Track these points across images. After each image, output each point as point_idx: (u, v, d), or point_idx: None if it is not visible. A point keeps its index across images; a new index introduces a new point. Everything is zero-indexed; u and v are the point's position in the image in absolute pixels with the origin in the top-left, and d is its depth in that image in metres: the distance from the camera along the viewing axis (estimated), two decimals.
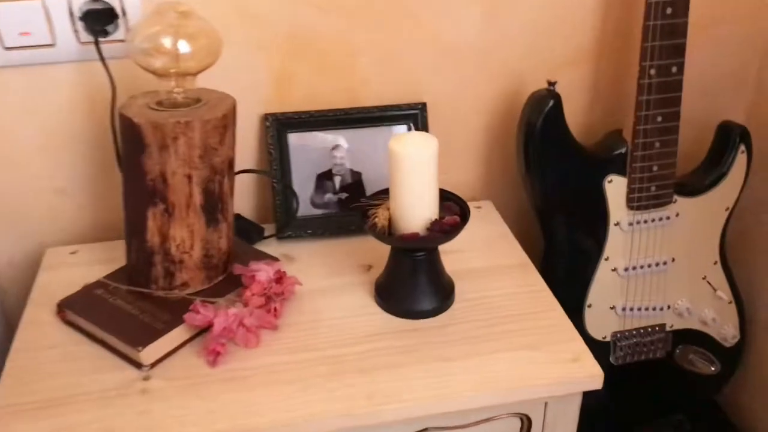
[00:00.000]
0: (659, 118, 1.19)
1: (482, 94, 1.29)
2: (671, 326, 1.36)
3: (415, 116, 1.24)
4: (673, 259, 1.30)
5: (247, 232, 1.21)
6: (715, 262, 1.34)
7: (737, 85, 1.38)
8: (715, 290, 1.35)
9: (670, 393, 1.42)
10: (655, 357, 1.36)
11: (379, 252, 1.15)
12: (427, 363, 0.97)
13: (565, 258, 1.29)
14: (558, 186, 1.24)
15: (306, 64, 1.21)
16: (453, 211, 1.04)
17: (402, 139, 0.98)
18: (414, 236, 0.99)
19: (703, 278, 1.34)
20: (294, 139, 1.22)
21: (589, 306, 1.30)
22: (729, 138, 1.27)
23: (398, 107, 1.24)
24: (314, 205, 1.23)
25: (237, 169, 1.10)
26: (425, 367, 0.96)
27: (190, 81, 1.00)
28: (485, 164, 1.36)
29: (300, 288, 1.09)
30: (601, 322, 1.32)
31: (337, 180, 1.23)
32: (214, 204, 1.02)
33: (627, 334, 1.34)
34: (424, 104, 1.24)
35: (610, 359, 1.34)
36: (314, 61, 1.21)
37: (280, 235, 1.21)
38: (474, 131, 1.33)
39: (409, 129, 1.24)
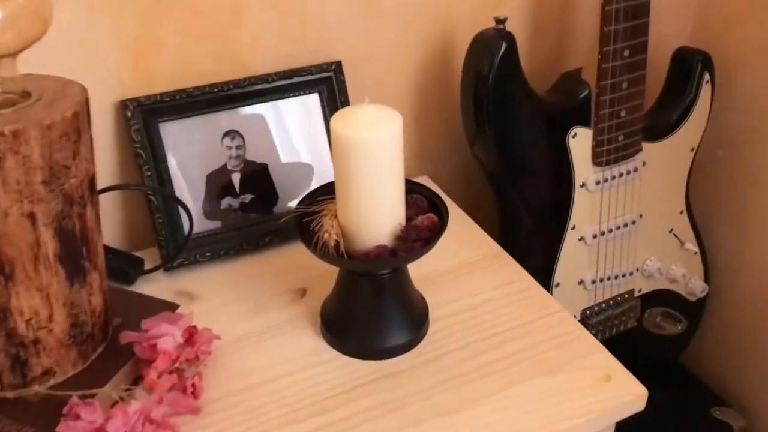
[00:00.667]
0: (626, 52, 0.97)
1: (408, 47, 1.01)
2: (639, 290, 1.18)
3: (327, 81, 0.94)
4: (641, 216, 1.11)
5: (119, 270, 0.86)
6: (681, 212, 1.17)
7: (678, 4, 1.19)
8: (682, 243, 1.18)
9: (635, 361, 1.25)
10: (626, 328, 1.18)
11: (312, 267, 0.86)
12: (425, 421, 0.70)
13: (526, 234, 1.06)
14: (516, 147, 0.99)
15: (172, 25, 0.87)
16: (420, 206, 0.76)
17: (349, 117, 0.68)
18: (381, 251, 0.71)
19: (670, 231, 1.17)
20: (168, 129, 0.88)
21: (557, 285, 1.08)
22: (690, 67, 1.08)
23: (304, 71, 0.93)
24: (209, 216, 0.90)
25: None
26: (426, 429, 0.69)
27: (7, 66, 0.63)
28: (417, 132, 1.08)
29: (218, 342, 0.77)
30: (570, 301, 1.11)
31: (236, 178, 0.91)
32: (75, 249, 0.68)
33: (597, 309, 1.14)
34: (338, 63, 0.94)
35: None
36: (183, 20, 0.87)
37: (169, 265, 0.88)
38: (401, 93, 1.04)
39: (322, 98, 0.94)
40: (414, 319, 0.78)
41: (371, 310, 0.76)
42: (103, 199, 0.84)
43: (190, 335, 0.73)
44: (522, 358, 0.77)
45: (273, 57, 0.93)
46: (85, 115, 0.67)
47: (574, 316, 1.10)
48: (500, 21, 0.92)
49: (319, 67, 0.93)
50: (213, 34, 0.89)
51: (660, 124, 1.09)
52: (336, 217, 0.73)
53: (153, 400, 0.67)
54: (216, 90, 0.89)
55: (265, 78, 0.91)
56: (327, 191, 0.76)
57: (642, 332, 1.21)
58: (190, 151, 0.89)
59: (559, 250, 1.06)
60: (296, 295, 0.86)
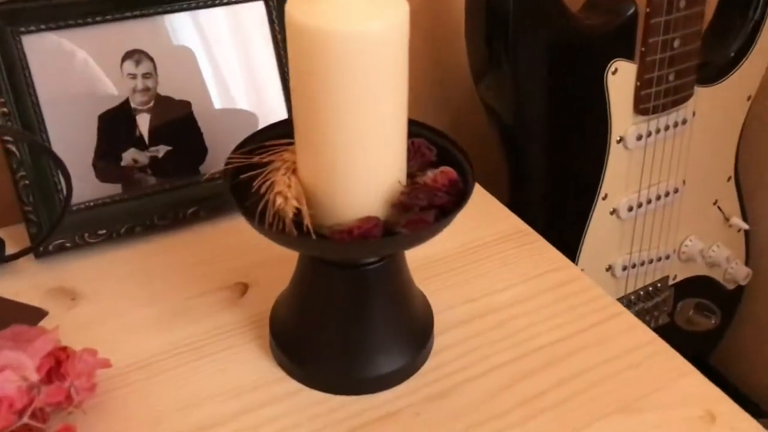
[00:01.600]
0: None
1: None
2: (674, 278, 0.94)
3: None
4: (684, 182, 0.86)
5: None
6: (729, 178, 0.93)
7: None
8: (727, 218, 0.94)
9: None
10: (657, 325, 0.94)
11: (257, 250, 0.59)
12: None
13: (544, 205, 0.80)
14: (539, 86, 0.73)
15: None
16: (425, 157, 0.48)
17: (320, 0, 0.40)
18: (371, 226, 0.43)
19: (714, 203, 0.92)
20: (36, 45, 0.58)
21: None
22: None
23: None
24: (103, 176, 0.61)
25: None
26: None
27: None
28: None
29: (109, 371, 0.49)
30: None
31: (144, 121, 0.62)
32: None
33: (625, 302, 0.89)
34: None
35: None
36: None
37: (42, 248, 0.59)
38: None
39: (269, 7, 0.65)
40: (413, 333, 0.51)
41: (350, 320, 0.48)
42: None
43: (57, 363, 0.44)
44: (581, 387, 0.51)
45: None
46: None
47: None
48: None
49: None
50: None
51: (713, 62, 0.83)
52: (294, 172, 0.45)
53: None
54: None
55: None
56: (279, 134, 0.48)
57: (672, 328, 0.97)
58: (72, 80, 0.60)
59: (585, 226, 0.81)
60: (233, 293, 0.57)
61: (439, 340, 0.54)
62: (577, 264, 0.82)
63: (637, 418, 0.49)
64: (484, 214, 0.67)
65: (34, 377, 0.42)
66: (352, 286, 0.47)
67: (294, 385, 0.50)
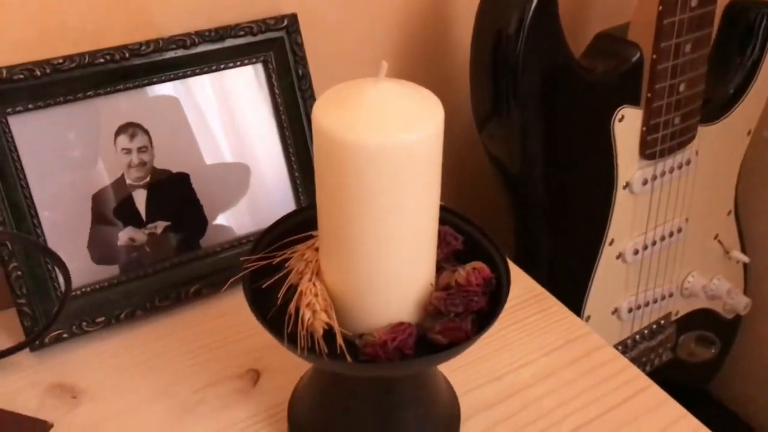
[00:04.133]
0: (694, 2, 0.69)
1: None
2: (677, 314, 0.93)
3: (276, 44, 0.62)
4: (687, 219, 0.85)
5: None
6: (729, 212, 0.92)
7: None
8: (727, 252, 0.93)
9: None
10: (661, 362, 0.93)
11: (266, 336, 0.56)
12: None
13: (549, 254, 0.78)
14: (545, 135, 0.70)
15: None
16: (451, 246, 0.46)
17: (350, 104, 0.37)
18: (403, 340, 0.40)
19: (715, 238, 0.91)
20: (24, 126, 0.54)
21: (587, 319, 0.81)
22: (749, 23, 0.82)
23: (241, 30, 0.60)
24: (99, 259, 0.58)
25: None
26: None
27: None
28: None
29: None
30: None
31: (140, 197, 0.59)
32: None
33: (630, 342, 0.88)
34: (291, 18, 0.62)
35: None
36: None
37: (38, 342, 0.55)
38: (380, 57, 0.74)
39: (269, 70, 0.62)
40: (442, 429, 0.49)
41: (377, 425, 0.46)
42: None
43: None
44: None
45: (192, 10, 0.60)
46: None
47: None
48: None
49: (264, 24, 0.61)
50: None
51: (714, 99, 0.82)
52: (318, 275, 0.42)
53: None
54: (102, 60, 0.56)
55: (181, 41, 0.58)
56: (297, 224, 0.45)
57: (675, 362, 0.96)
58: (63, 160, 0.56)
59: (592, 273, 0.79)
60: (245, 383, 0.54)
61: (465, 428, 0.51)
62: (584, 310, 0.80)
63: None
64: None
65: None
66: (379, 392, 0.45)
67: None
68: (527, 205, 0.75)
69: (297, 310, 0.40)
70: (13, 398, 0.52)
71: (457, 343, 0.41)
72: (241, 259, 0.43)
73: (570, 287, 0.80)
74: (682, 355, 0.98)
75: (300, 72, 0.62)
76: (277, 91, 0.62)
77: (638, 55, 0.72)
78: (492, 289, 0.43)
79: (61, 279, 0.55)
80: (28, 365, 0.55)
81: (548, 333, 0.59)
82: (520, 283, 0.64)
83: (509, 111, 0.68)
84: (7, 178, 0.54)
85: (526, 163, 0.72)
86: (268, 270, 0.43)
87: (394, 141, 0.36)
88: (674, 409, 0.54)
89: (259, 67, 0.62)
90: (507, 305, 0.61)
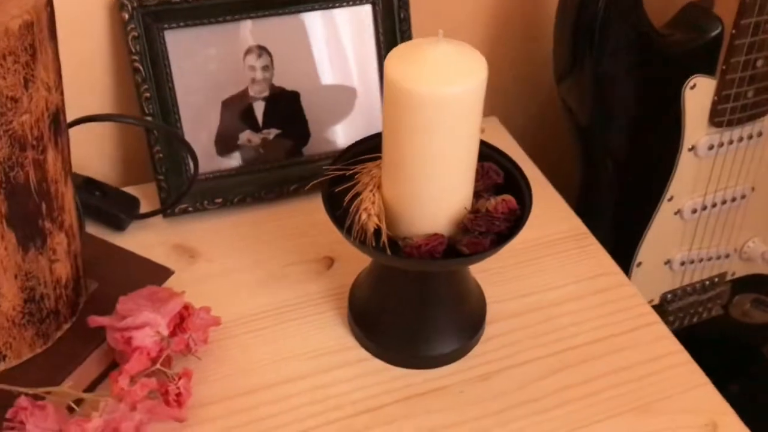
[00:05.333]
0: None
1: None
2: (733, 274, 0.98)
3: None
4: (753, 189, 0.90)
5: (108, 212, 0.70)
6: None
7: None
8: None
9: (714, 348, 1.07)
10: (710, 316, 1.00)
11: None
12: None
13: (612, 201, 0.86)
14: (618, 91, 0.78)
15: None
16: (492, 180, 0.56)
17: (412, 59, 0.48)
18: (436, 244, 0.52)
19: None
20: (176, 39, 0.68)
21: (639, 265, 0.89)
22: None
23: None
24: (222, 153, 0.72)
25: (72, 117, 0.58)
26: None
27: None
28: (490, 60, 0.87)
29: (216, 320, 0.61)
30: (650, 283, 0.92)
31: (259, 107, 0.72)
32: (30, 206, 0.50)
33: (680, 293, 0.95)
34: None
35: None
36: None
37: (170, 211, 0.71)
38: (474, 6, 0.83)
39: (376, 10, 0.73)
40: (467, 323, 0.61)
41: (414, 311, 0.59)
42: (90, 125, 0.66)
43: (181, 319, 0.56)
44: (607, 385, 0.59)
45: None
46: (46, 23, 0.48)
47: (651, 301, 0.93)
48: None
49: None
50: None
51: None
52: (379, 188, 0.54)
53: (121, 412, 0.51)
54: None
55: None
56: (370, 147, 0.57)
57: (726, 319, 1.02)
58: (204, 70, 0.70)
59: (648, 223, 0.87)
60: (321, 266, 0.68)
61: (489, 329, 0.63)
62: (636, 256, 0.89)
63: (646, 420, 0.57)
64: (549, 213, 0.74)
65: (165, 332, 0.54)
66: (417, 286, 0.57)
67: (363, 353, 0.61)
68: (593, 153, 0.83)
69: (357, 211, 0.53)
70: (147, 250, 0.68)
71: (478, 253, 0.52)
72: (324, 167, 0.56)
73: (626, 233, 0.88)
74: (735, 314, 1.04)
75: (402, 15, 0.73)
76: (380, 30, 0.73)
77: (719, 29, 0.77)
78: (516, 218, 0.54)
79: (191, 164, 0.70)
80: (162, 228, 0.71)
81: (581, 266, 0.69)
82: (568, 221, 0.74)
83: (585, 64, 0.75)
84: (159, 79, 0.68)
85: (595, 115, 0.80)
86: (344, 179, 0.56)
87: (441, 91, 0.47)
88: (672, 344, 0.63)
89: (368, 8, 0.73)
90: (550, 237, 0.72)
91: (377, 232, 0.52)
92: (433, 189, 0.51)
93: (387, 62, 0.48)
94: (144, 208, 0.72)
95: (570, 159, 0.87)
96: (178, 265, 0.67)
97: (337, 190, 0.54)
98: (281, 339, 0.62)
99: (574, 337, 0.63)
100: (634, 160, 0.83)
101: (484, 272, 0.66)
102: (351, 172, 0.55)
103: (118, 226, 0.70)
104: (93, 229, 0.69)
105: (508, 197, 0.54)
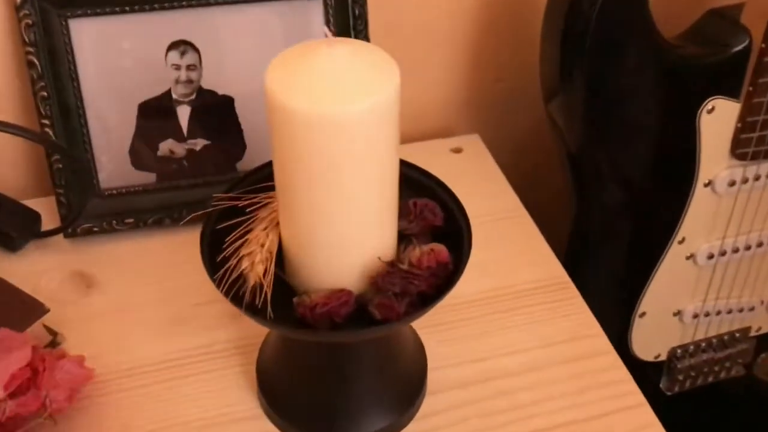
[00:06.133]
0: None
1: None
2: (758, 330, 0.84)
3: None
4: None
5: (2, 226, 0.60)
6: None
7: None
8: None
9: (736, 415, 0.93)
10: (729, 376, 0.86)
11: None
12: None
13: (610, 240, 0.73)
14: (616, 112, 0.65)
15: None
16: (427, 220, 0.44)
17: (300, 69, 0.36)
18: (333, 307, 0.40)
19: None
20: (82, 29, 0.58)
21: (642, 315, 0.76)
22: None
23: None
24: (138, 165, 0.61)
25: None
26: None
27: None
28: (470, 72, 0.75)
29: (98, 373, 0.50)
30: (656, 336, 0.79)
31: (184, 113, 0.61)
32: None
33: (692, 348, 0.81)
34: None
35: (661, 385, 0.83)
36: None
37: (71, 230, 0.60)
38: (451, 8, 0.70)
39: (326, 5, 0.61)
40: (401, 395, 0.49)
41: (326, 384, 0.47)
42: None
43: (34, 374, 0.46)
44: None
45: None
46: None
47: (658, 356, 0.79)
48: None
49: None
50: None
51: None
52: (278, 225, 0.43)
53: None
54: None
55: None
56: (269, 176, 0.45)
57: (749, 380, 0.88)
58: (117, 66, 0.59)
59: (654, 268, 0.73)
60: (236, 308, 0.56)
61: (429, 402, 0.51)
62: (639, 306, 0.75)
63: None
64: (523, 256, 0.62)
65: (1, 393, 0.43)
66: (329, 353, 0.45)
67: (270, 427, 0.49)
68: (587, 183, 0.70)
69: (237, 255, 0.41)
70: (38, 276, 0.57)
71: (389, 321, 0.40)
72: (213, 195, 0.44)
73: (629, 280, 0.75)
74: (760, 374, 0.90)
75: (357, 12, 0.61)
76: (332, 26, 0.62)
77: (747, 42, 0.63)
78: (448, 274, 0.42)
79: (101, 176, 0.59)
80: (63, 250, 0.61)
81: (554, 326, 0.56)
82: (545, 266, 0.61)
83: (575, 79, 0.63)
84: (61, 77, 0.58)
85: (589, 138, 0.67)
86: (238, 212, 0.44)
87: (335, 110, 0.35)
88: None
89: (318, 2, 0.61)
90: (519, 287, 0.59)
91: (256, 291, 0.41)
92: (332, 234, 0.39)
93: (267, 73, 0.36)
94: (47, 225, 0.61)
95: (568, 187, 0.75)
96: (71, 297, 0.56)
97: (221, 226, 0.43)
98: (172, 399, 0.51)
99: (531, 418, 0.50)
100: (636, 194, 0.70)
101: (430, 327, 0.54)
102: (246, 202, 0.44)
103: (10, 246, 0.60)
104: None
105: (438, 247, 0.42)
